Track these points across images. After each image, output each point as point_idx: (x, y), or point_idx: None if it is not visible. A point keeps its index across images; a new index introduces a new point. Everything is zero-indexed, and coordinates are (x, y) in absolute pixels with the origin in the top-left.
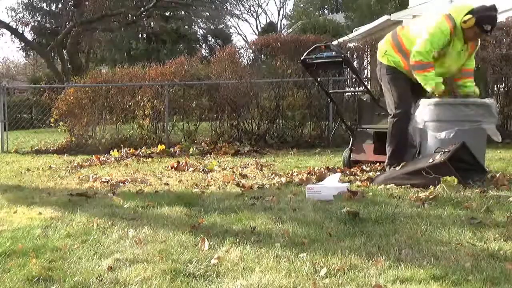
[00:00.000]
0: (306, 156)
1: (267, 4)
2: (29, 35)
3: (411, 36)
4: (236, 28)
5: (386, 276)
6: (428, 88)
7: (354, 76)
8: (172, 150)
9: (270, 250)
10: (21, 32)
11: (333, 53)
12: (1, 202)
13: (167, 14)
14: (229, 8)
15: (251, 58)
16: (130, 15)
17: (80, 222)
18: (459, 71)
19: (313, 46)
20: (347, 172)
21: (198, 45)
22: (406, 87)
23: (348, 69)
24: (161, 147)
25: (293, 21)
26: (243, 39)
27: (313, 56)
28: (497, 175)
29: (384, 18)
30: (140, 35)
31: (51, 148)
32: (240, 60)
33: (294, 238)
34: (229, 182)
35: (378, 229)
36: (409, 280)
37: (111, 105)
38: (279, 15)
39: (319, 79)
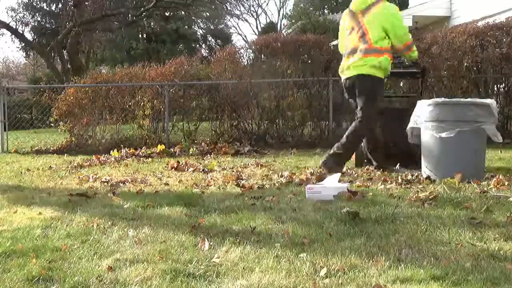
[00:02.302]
0: (306, 156)
1: (267, 4)
2: (29, 35)
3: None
4: (236, 28)
5: (386, 276)
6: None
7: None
8: (172, 150)
9: (270, 250)
10: (21, 32)
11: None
12: (1, 202)
13: (167, 14)
14: (229, 8)
15: (251, 58)
16: (130, 15)
17: (80, 222)
18: None
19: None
20: (347, 172)
21: (198, 45)
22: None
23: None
24: (161, 147)
25: (293, 21)
26: (243, 39)
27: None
28: (497, 175)
29: None
30: (140, 35)
31: (51, 148)
32: (240, 60)
33: (294, 238)
34: (229, 182)
35: (378, 229)
36: (409, 280)
37: (111, 105)
38: (279, 15)
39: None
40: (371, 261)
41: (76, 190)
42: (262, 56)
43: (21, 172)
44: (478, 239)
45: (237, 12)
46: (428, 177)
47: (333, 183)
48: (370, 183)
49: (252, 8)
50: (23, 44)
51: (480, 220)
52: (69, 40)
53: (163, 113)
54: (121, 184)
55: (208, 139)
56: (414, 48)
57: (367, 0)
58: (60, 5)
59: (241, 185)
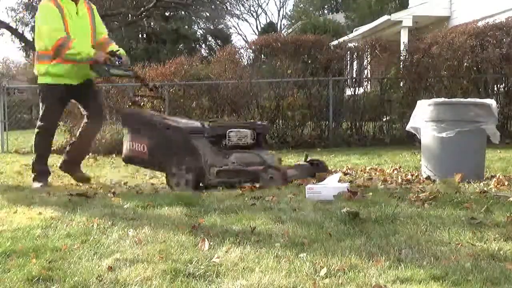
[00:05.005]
0: None
1: (267, 4)
2: (29, 35)
3: (36, 37)
4: (236, 28)
5: (386, 276)
6: (85, 56)
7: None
8: None
9: (270, 250)
10: (21, 32)
11: None
12: (1, 202)
13: (167, 14)
14: (229, 8)
15: (251, 58)
16: (130, 15)
17: (80, 222)
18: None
19: None
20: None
21: (198, 45)
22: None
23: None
24: None
25: (293, 21)
26: (243, 39)
27: None
28: (497, 175)
29: (384, 18)
30: (140, 35)
31: (51, 148)
32: (240, 60)
33: (294, 238)
34: None
35: (378, 229)
36: (409, 280)
37: (111, 105)
38: (279, 15)
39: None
40: (371, 261)
41: (76, 190)
42: (262, 56)
43: (21, 172)
44: (478, 239)
45: (237, 12)
46: (428, 177)
47: (333, 183)
48: (370, 183)
49: (252, 8)
50: (23, 44)
51: (480, 220)
52: None
53: (163, 113)
54: (121, 184)
55: None
56: (71, 45)
57: None
58: None
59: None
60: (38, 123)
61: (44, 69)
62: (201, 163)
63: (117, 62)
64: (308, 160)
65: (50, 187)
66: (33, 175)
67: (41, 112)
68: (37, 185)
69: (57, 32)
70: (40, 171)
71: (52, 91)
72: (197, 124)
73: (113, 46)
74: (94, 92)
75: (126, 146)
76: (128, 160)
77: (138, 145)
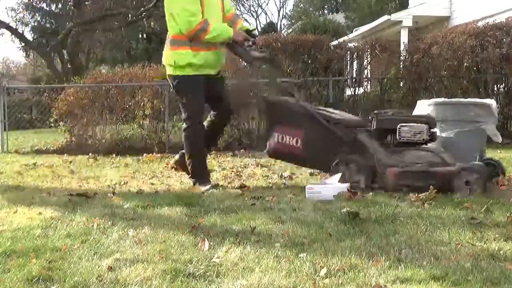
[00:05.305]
0: None
1: (267, 4)
2: (29, 35)
3: (169, 20)
4: None
5: (386, 276)
6: (226, 37)
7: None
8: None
9: (270, 250)
10: (21, 32)
11: None
12: (1, 202)
13: None
14: None
15: None
16: (130, 15)
17: (80, 222)
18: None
19: None
20: None
21: None
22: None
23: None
24: None
25: (293, 21)
26: None
27: None
28: None
29: (384, 18)
30: (140, 35)
31: (51, 148)
32: (240, 60)
33: (294, 238)
34: (229, 182)
35: (378, 229)
36: (409, 280)
37: (111, 105)
38: (279, 15)
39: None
40: (371, 261)
41: (76, 190)
42: None
43: (21, 172)
44: (478, 239)
45: (237, 12)
46: None
47: (333, 183)
48: None
49: (252, 8)
50: (23, 44)
51: (480, 220)
52: (69, 40)
53: (163, 113)
54: (121, 184)
55: None
56: (210, 29)
57: None
58: (60, 5)
59: (241, 185)
60: (184, 117)
61: (183, 62)
62: (373, 162)
63: (250, 43)
64: (482, 159)
65: (217, 186)
66: (193, 180)
67: (183, 107)
68: (204, 187)
69: (195, 17)
70: (201, 173)
71: (193, 82)
72: (360, 117)
73: (243, 25)
74: (224, 89)
75: (273, 139)
76: (275, 154)
77: (289, 139)
